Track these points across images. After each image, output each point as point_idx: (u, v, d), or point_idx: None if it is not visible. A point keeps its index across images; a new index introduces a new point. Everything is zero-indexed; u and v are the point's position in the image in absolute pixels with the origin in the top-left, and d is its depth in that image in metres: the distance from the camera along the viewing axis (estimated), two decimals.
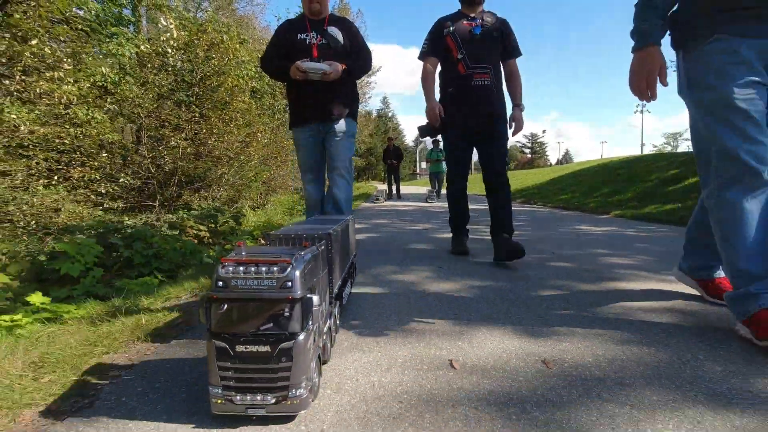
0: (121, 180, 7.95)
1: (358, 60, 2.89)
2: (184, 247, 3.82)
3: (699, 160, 1.72)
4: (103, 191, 7.31)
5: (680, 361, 1.39)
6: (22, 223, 5.28)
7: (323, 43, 2.80)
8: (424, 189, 17.76)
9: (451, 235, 3.57)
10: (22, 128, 5.76)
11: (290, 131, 3.09)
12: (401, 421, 1.07)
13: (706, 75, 1.63)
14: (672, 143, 73.00)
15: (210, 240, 5.19)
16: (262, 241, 2.64)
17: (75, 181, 6.81)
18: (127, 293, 2.48)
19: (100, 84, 7.99)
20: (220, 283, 1.03)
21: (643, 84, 1.68)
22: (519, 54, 3.17)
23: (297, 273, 1.04)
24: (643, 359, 1.41)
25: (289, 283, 1.03)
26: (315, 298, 1.08)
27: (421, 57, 3.22)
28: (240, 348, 1.03)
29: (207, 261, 3.60)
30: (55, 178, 6.48)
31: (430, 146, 13.45)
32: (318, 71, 2.64)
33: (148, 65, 9.83)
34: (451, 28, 3.04)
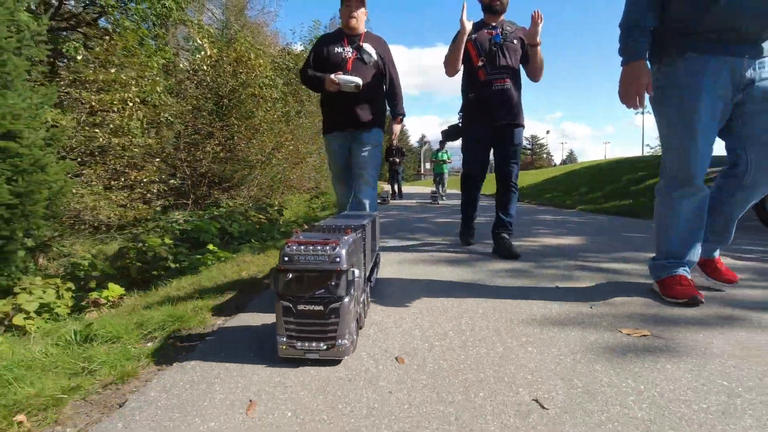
0: (171, 181, 8.64)
1: (399, 97, 2.98)
2: (262, 227, 5.64)
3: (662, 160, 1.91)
4: (155, 191, 7.88)
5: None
6: (101, 216, 5.79)
7: (358, 58, 2.78)
8: (428, 189, 17.60)
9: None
10: (100, 139, 6.51)
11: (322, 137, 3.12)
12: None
13: (673, 89, 1.76)
14: None
15: (267, 225, 6.27)
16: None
17: (132, 182, 7.30)
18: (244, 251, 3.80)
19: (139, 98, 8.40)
20: (286, 258, 1.23)
21: (632, 95, 1.73)
22: None
23: (343, 251, 1.25)
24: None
25: (338, 259, 1.23)
26: (356, 271, 1.28)
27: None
28: (301, 307, 1.23)
29: (277, 237, 4.94)
30: (122, 180, 7.10)
31: (435, 147, 12.48)
32: (350, 83, 2.63)
33: (186, 81, 10.12)
34: (473, 36, 2.94)
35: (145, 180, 7.41)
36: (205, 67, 10.49)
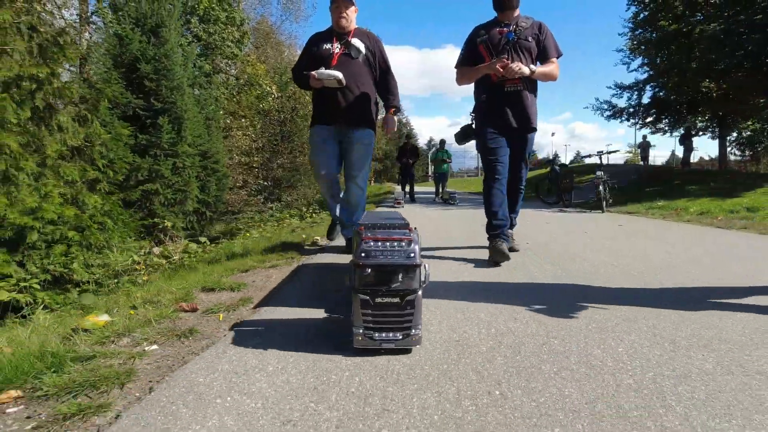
0: (264, 183, 10.20)
1: (394, 90, 2.21)
2: None
3: None
4: (253, 189, 9.79)
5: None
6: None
7: (345, 53, 2.08)
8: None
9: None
10: (235, 158, 8.91)
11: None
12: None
13: None
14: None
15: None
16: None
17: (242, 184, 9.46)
18: None
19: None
20: (363, 254, 0.90)
21: None
22: (557, 54, 2.07)
23: (417, 247, 0.91)
24: None
25: (413, 254, 0.90)
26: (427, 265, 0.94)
27: (456, 66, 2.21)
28: (378, 300, 0.90)
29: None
30: (240, 181, 9.38)
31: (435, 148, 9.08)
32: (330, 78, 1.96)
33: (267, 117, 10.80)
34: (484, 36, 2.06)
35: (251, 182, 9.55)
36: (276, 106, 10.74)
